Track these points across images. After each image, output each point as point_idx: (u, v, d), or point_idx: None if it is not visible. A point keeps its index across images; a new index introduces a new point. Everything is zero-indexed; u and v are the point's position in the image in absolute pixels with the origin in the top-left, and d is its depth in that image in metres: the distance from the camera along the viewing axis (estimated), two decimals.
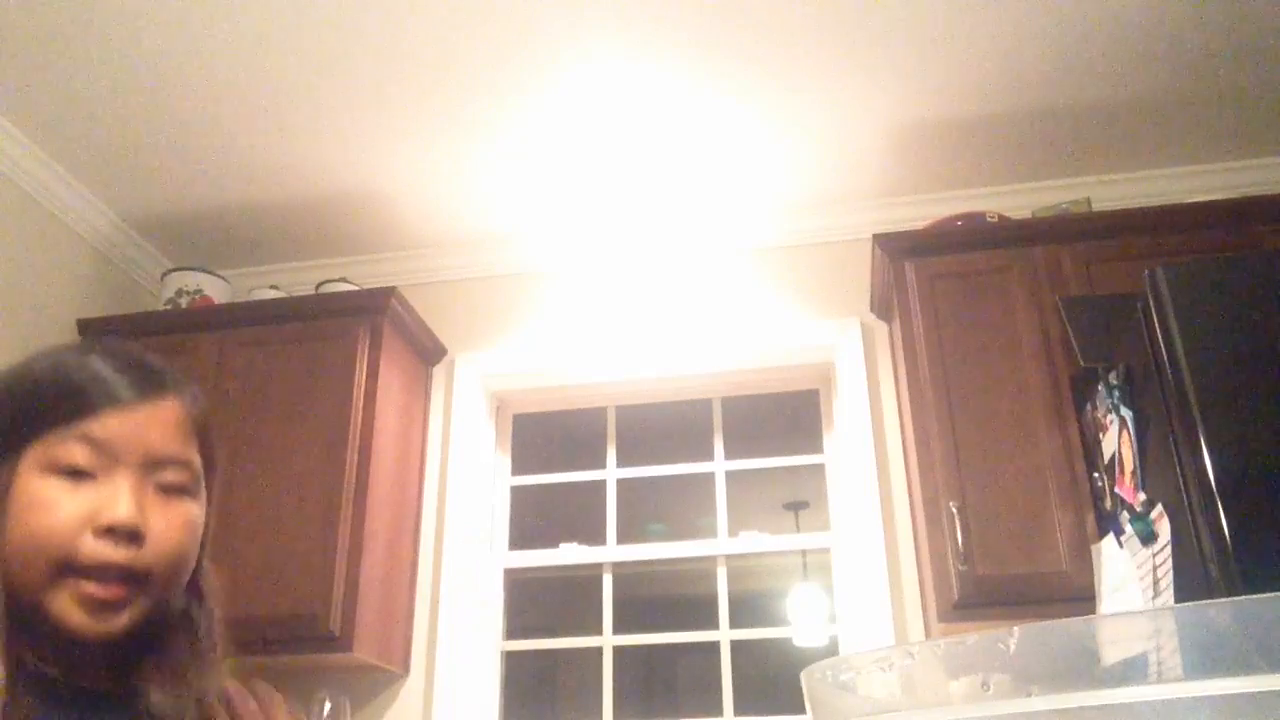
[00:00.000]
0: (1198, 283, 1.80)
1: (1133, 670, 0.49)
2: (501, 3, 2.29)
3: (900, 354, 2.62)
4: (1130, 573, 1.95)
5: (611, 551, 2.95)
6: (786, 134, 2.74)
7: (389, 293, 2.82)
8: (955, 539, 2.26)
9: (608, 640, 2.87)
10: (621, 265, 3.15)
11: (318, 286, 3.03)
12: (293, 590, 2.47)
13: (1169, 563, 1.77)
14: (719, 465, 3.02)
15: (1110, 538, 2.07)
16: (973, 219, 2.67)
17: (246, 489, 2.60)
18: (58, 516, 0.78)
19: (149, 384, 0.85)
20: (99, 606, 0.78)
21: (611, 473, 3.07)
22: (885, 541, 2.66)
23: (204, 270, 3.06)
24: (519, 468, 3.14)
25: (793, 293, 3.02)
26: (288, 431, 2.66)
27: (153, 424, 0.83)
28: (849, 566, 2.73)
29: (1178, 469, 1.75)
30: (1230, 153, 2.85)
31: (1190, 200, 2.65)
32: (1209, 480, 1.65)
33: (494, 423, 3.14)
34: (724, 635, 2.82)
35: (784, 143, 2.78)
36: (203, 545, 0.88)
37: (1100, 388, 2.12)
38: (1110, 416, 2.07)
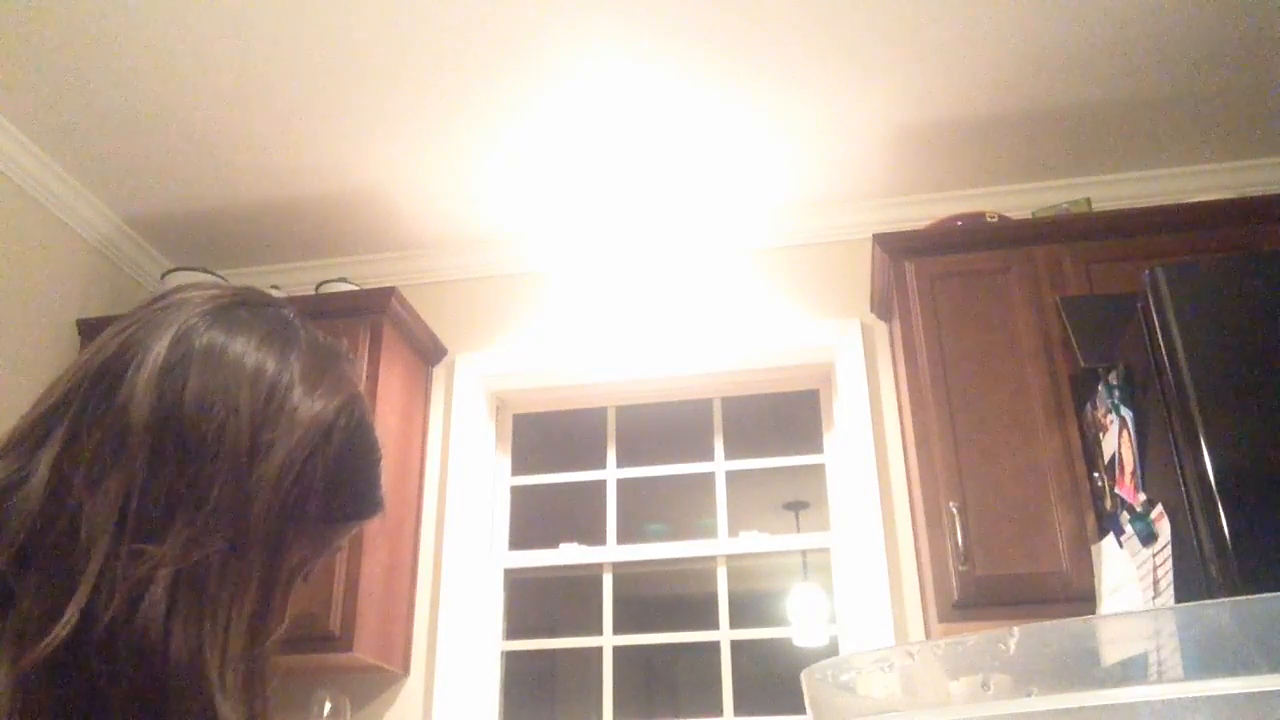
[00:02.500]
0: (1198, 283, 1.80)
1: (1133, 670, 0.49)
2: (502, 3, 2.29)
3: (900, 354, 2.62)
4: (1130, 573, 1.95)
5: (611, 551, 2.95)
6: (786, 134, 2.74)
7: (389, 293, 2.82)
8: (955, 539, 2.26)
9: (608, 640, 2.87)
10: (621, 265, 3.15)
11: (318, 286, 3.03)
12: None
13: (1169, 563, 1.77)
14: (719, 465, 3.02)
15: (1110, 538, 2.07)
16: (973, 219, 2.67)
17: None
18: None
19: None
20: None
21: (611, 473, 3.07)
22: (885, 541, 2.66)
23: (204, 270, 3.06)
24: (519, 468, 3.14)
25: (793, 293, 3.02)
26: None
27: None
28: (849, 566, 2.73)
29: (1178, 469, 1.75)
30: (1230, 153, 2.85)
31: (1190, 200, 2.65)
32: (1209, 480, 1.65)
33: (494, 423, 3.14)
34: (724, 635, 2.82)
35: (784, 143, 2.78)
36: None
37: (1100, 388, 2.12)
38: (1110, 416, 2.07)
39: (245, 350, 0.69)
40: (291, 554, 0.68)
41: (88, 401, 0.65)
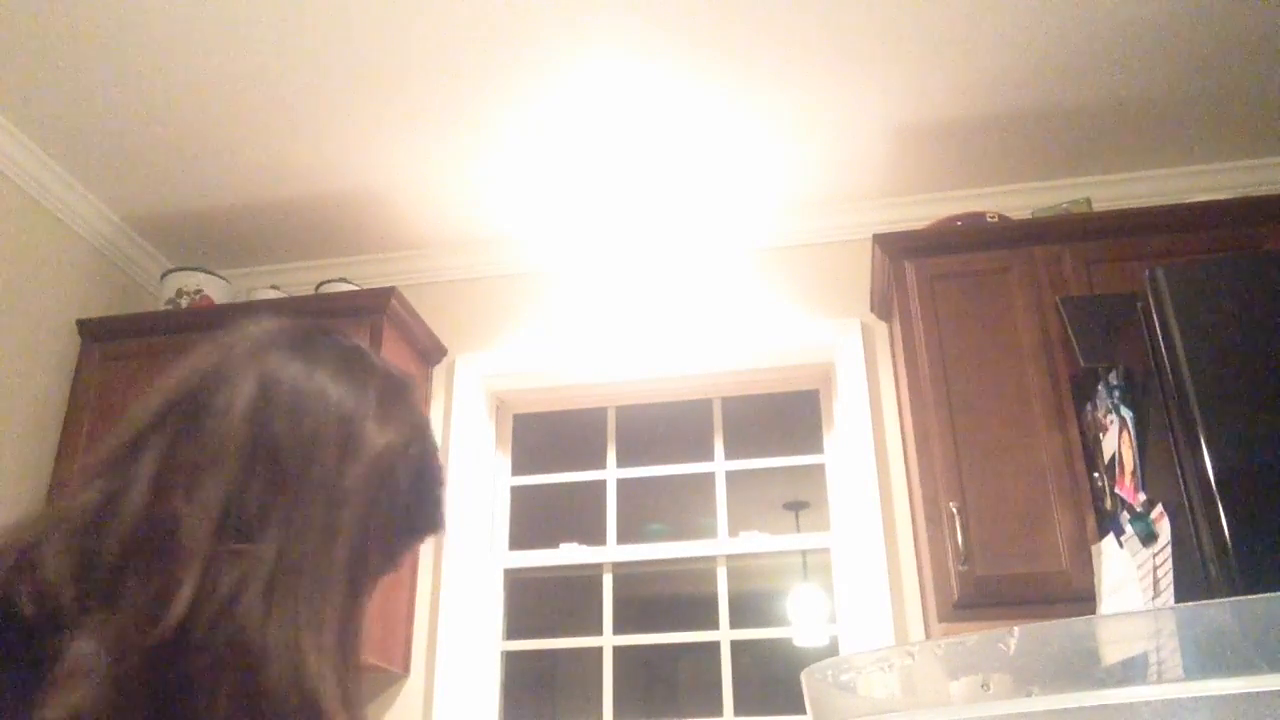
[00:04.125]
0: (1198, 283, 1.80)
1: (1133, 670, 0.49)
2: (502, 3, 2.29)
3: (900, 354, 2.62)
4: (1130, 573, 1.95)
5: (611, 551, 2.95)
6: (786, 134, 2.74)
7: (389, 293, 2.82)
8: (955, 539, 2.26)
9: (608, 640, 2.87)
10: (621, 265, 3.15)
11: (318, 286, 3.03)
12: None
13: (1169, 563, 1.77)
14: (719, 465, 3.02)
15: (1110, 538, 2.07)
16: (973, 219, 2.67)
17: None
18: None
19: None
20: None
21: (611, 473, 3.07)
22: (885, 541, 2.66)
23: (204, 270, 3.06)
24: (519, 468, 3.14)
25: (793, 293, 3.02)
26: None
27: None
28: (849, 566, 2.73)
29: (1178, 469, 1.75)
30: (1230, 153, 2.85)
31: (1190, 200, 2.65)
32: (1209, 480, 1.65)
33: (494, 423, 3.14)
34: (724, 635, 2.82)
35: (784, 143, 2.78)
36: None
37: (1100, 388, 2.12)
38: (1110, 416, 2.07)
39: (326, 384, 0.75)
40: (369, 568, 0.74)
41: (180, 425, 0.71)
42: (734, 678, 2.77)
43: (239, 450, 0.69)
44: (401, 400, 0.81)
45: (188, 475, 0.68)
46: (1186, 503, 1.72)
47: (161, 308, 3.00)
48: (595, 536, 2.98)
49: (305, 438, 0.71)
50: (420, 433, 0.81)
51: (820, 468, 2.96)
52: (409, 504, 0.78)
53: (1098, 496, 2.20)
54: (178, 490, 0.67)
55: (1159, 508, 1.82)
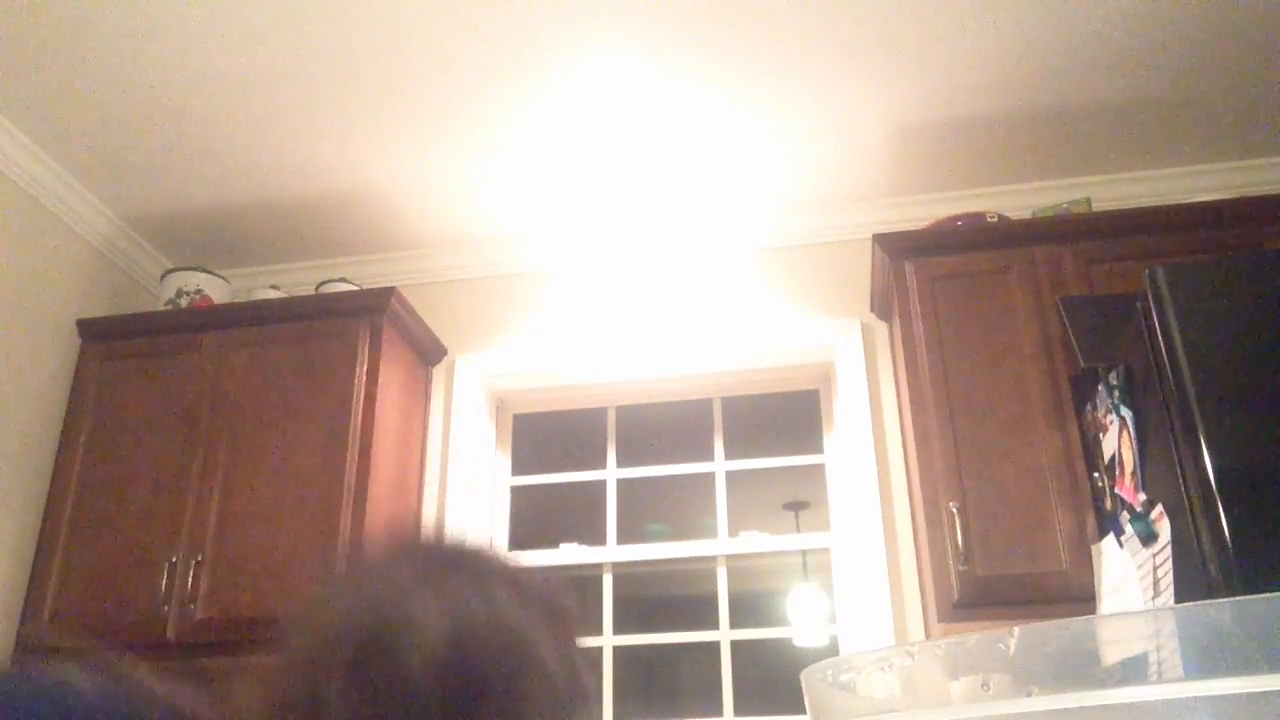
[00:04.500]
0: (1198, 283, 1.80)
1: (1133, 670, 0.49)
2: (502, 3, 2.29)
3: (900, 354, 2.62)
4: (1130, 573, 1.95)
5: (611, 551, 2.95)
6: (786, 134, 2.74)
7: (389, 293, 2.82)
8: (955, 539, 2.26)
9: (608, 640, 2.87)
10: (622, 265, 3.15)
11: (318, 286, 3.03)
12: (292, 590, 2.47)
13: (1169, 563, 1.77)
14: (719, 465, 3.02)
15: (1110, 538, 2.06)
16: (973, 219, 2.67)
17: (247, 489, 2.60)
18: None
19: None
20: None
21: (611, 473, 3.07)
22: (885, 541, 2.66)
23: (204, 270, 3.06)
24: (519, 468, 3.14)
25: (793, 293, 3.02)
26: (288, 431, 2.66)
27: None
28: (849, 566, 2.73)
29: (1178, 469, 1.75)
30: (1230, 153, 2.85)
31: (1190, 200, 2.65)
32: (1209, 480, 1.65)
33: (494, 423, 3.14)
34: (724, 635, 2.82)
35: (784, 143, 2.78)
36: None
37: (1100, 388, 2.12)
38: (1110, 416, 2.07)
39: (505, 610, 0.80)
40: None
41: (372, 661, 0.75)
42: (734, 678, 2.77)
43: (437, 682, 0.74)
44: (565, 617, 0.87)
45: (385, 708, 0.72)
46: (1186, 503, 1.72)
47: (161, 308, 3.00)
48: (595, 536, 2.98)
49: (494, 665, 0.77)
50: (578, 645, 0.88)
51: (820, 468, 2.96)
52: (567, 706, 0.84)
53: (1098, 496, 2.21)
54: None
55: (1159, 508, 1.82)
